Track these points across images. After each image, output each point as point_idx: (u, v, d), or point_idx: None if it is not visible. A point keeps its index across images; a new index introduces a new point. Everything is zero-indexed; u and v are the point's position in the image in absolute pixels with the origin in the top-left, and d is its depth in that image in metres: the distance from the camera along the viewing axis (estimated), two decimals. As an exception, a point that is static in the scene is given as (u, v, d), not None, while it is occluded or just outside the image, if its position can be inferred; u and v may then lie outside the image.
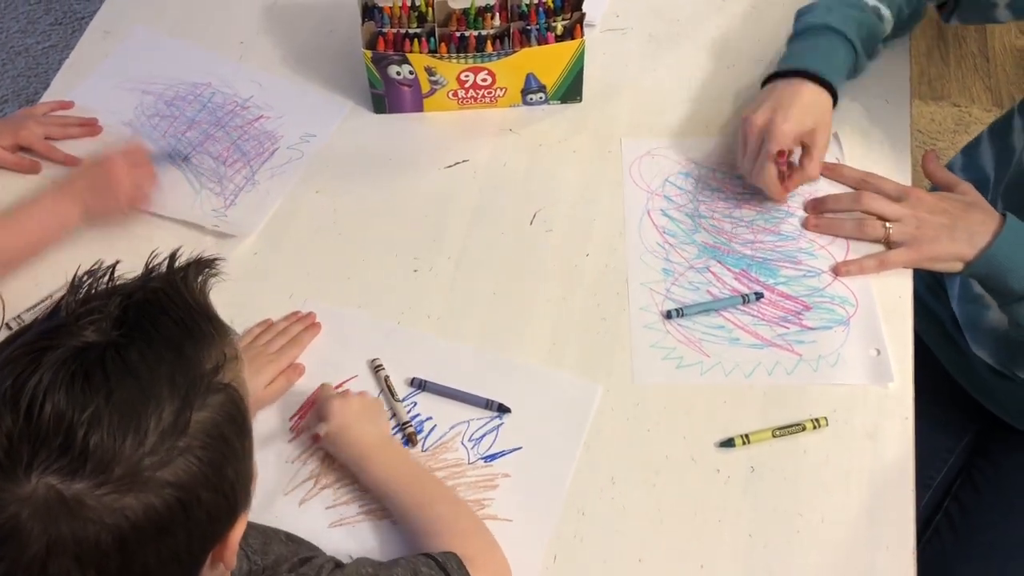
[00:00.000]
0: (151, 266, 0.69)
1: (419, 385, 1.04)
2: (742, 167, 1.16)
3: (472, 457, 0.99)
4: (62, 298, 0.64)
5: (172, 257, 0.70)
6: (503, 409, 1.02)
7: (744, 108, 1.16)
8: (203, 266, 0.70)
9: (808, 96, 1.13)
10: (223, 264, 0.72)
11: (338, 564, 0.84)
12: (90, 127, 1.27)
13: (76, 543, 0.58)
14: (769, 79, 1.18)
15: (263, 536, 0.83)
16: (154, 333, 0.63)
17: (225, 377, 0.66)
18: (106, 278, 0.66)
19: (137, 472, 0.59)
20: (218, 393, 0.64)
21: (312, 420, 0.99)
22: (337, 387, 1.04)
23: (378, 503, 0.96)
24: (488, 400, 1.02)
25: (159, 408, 0.60)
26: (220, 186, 1.22)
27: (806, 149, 1.13)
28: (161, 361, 0.62)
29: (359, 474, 0.96)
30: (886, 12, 1.21)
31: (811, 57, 1.17)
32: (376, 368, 1.05)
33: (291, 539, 0.86)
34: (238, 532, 0.68)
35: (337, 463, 0.98)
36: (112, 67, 1.35)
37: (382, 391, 1.03)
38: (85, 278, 0.65)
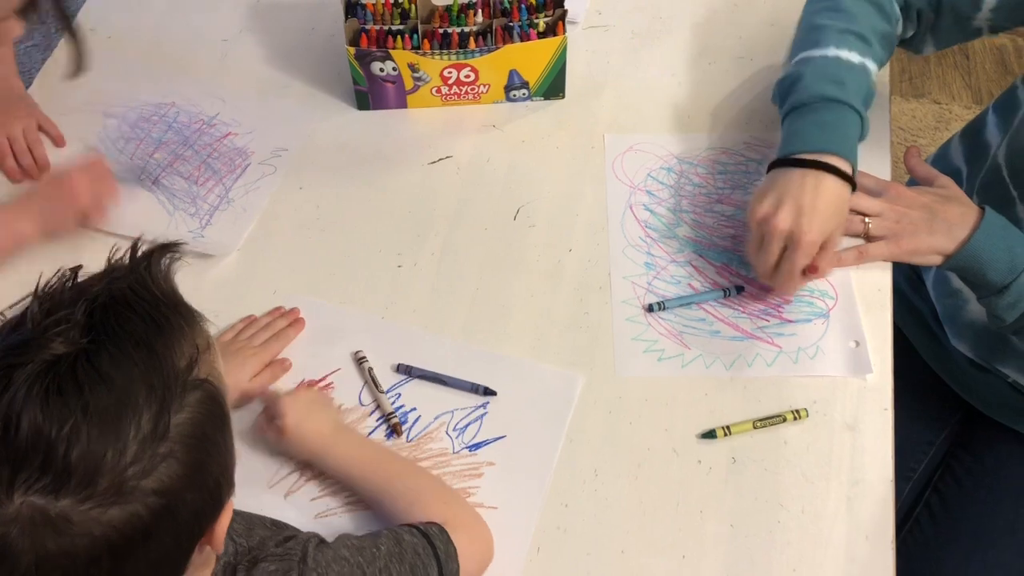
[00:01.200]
0: (113, 261, 0.68)
1: (405, 371, 1.05)
2: (756, 265, 1.05)
3: (457, 446, 1.00)
4: (26, 310, 0.63)
5: (133, 248, 0.68)
6: (489, 392, 1.03)
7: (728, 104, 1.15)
8: (165, 252, 0.69)
9: (831, 194, 1.02)
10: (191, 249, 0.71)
11: (322, 540, 0.84)
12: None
13: (65, 557, 0.58)
14: (778, 163, 1.07)
15: (247, 521, 0.84)
16: (123, 334, 0.62)
17: (200, 372, 0.65)
18: (70, 283, 0.65)
19: (121, 483, 0.58)
20: (195, 391, 0.64)
21: (263, 422, 0.99)
22: (320, 380, 1.04)
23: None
24: (474, 384, 1.03)
25: (137, 416, 0.59)
26: (194, 206, 1.20)
27: (820, 246, 1.03)
28: (133, 364, 0.61)
29: (322, 465, 0.97)
30: (871, 66, 1.11)
31: (826, 138, 1.05)
32: (359, 360, 1.05)
33: (275, 524, 0.86)
34: (225, 519, 0.68)
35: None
36: (67, 93, 1.30)
37: (366, 383, 1.04)
38: (48, 287, 0.64)
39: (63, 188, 1.14)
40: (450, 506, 0.92)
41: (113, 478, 0.58)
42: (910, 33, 1.18)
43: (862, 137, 1.09)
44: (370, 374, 1.04)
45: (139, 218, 1.18)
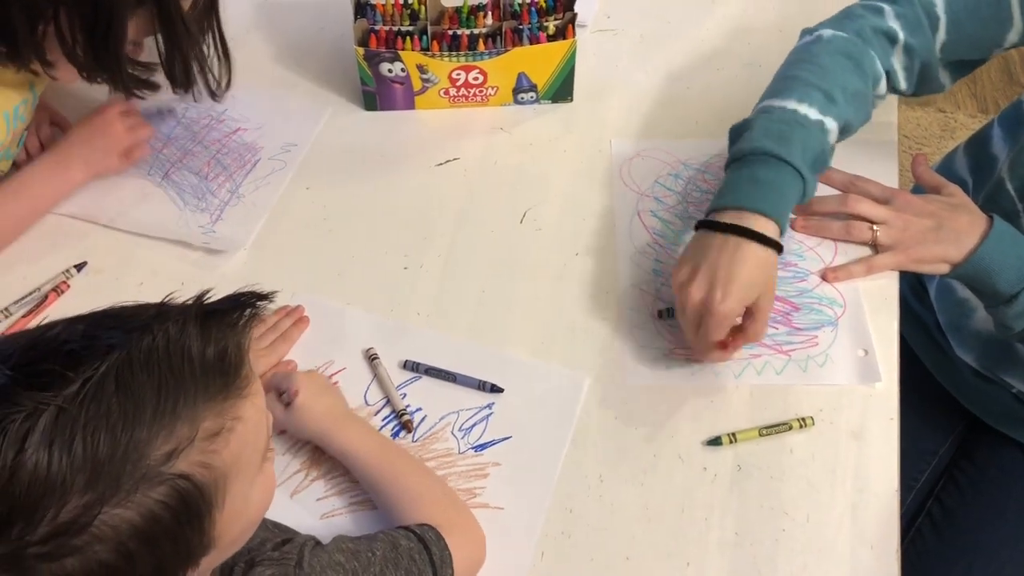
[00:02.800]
0: (165, 303, 0.62)
1: (413, 368, 1.04)
2: (684, 334, 1.02)
3: (462, 447, 1.00)
4: (14, 349, 0.58)
5: (198, 298, 0.62)
6: (496, 389, 1.03)
7: (736, 110, 1.14)
8: (242, 305, 0.63)
9: (752, 262, 0.97)
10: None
11: (318, 543, 0.83)
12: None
13: None
14: (703, 223, 1.03)
15: None
16: (113, 402, 0.56)
17: (181, 464, 0.58)
18: (81, 329, 0.59)
19: (20, 557, 0.54)
20: (158, 486, 0.57)
21: (272, 399, 0.97)
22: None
23: (367, 494, 0.96)
24: (481, 381, 1.03)
25: (63, 499, 0.54)
26: (204, 202, 1.20)
27: (749, 313, 0.99)
28: (97, 441, 0.55)
29: (327, 445, 0.96)
30: (831, 124, 1.05)
31: (756, 195, 1.01)
32: (372, 358, 1.05)
33: (276, 526, 0.85)
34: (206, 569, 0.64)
35: (327, 455, 0.98)
36: (75, 90, 1.28)
37: (376, 379, 1.04)
38: (57, 330, 0.59)
39: (102, 130, 1.18)
40: (448, 510, 0.91)
41: (12, 549, 0.54)
42: (906, 86, 1.14)
43: (804, 197, 1.04)
44: (384, 371, 1.04)
45: (149, 213, 1.19)
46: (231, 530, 0.65)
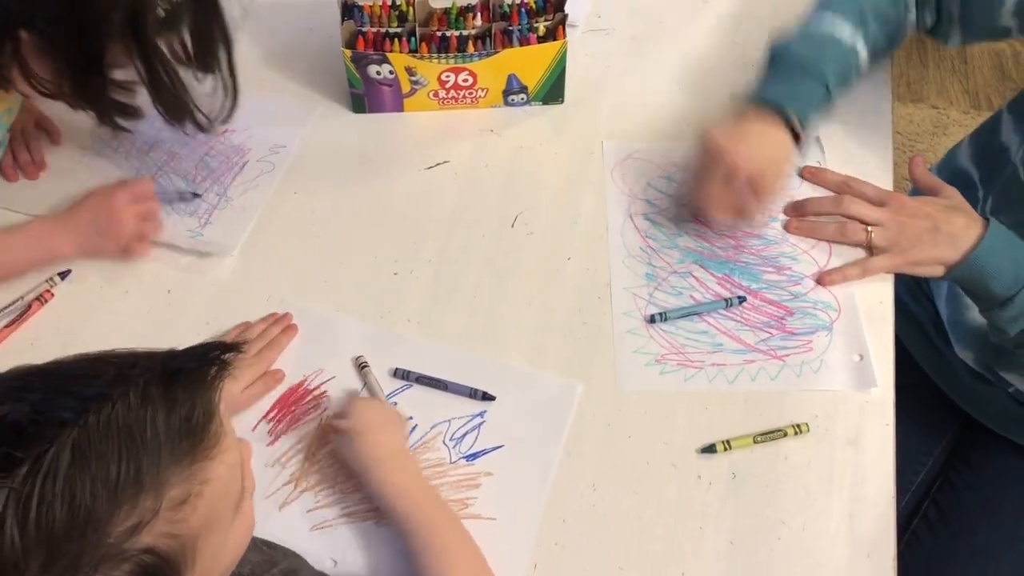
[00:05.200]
0: (124, 364, 0.58)
1: (403, 376, 1.03)
2: (690, 181, 1.14)
3: (454, 456, 0.99)
4: None
5: (165, 359, 0.59)
6: (488, 397, 1.01)
7: (722, 114, 1.15)
8: (210, 361, 0.61)
9: (770, 134, 1.10)
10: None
11: None
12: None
13: None
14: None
15: None
16: (67, 481, 0.53)
17: (144, 538, 0.55)
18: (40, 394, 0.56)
19: None
20: (120, 564, 0.55)
21: (331, 418, 0.98)
22: (314, 389, 1.02)
23: (364, 505, 0.95)
24: (472, 389, 1.02)
25: None
26: (192, 205, 1.19)
27: (753, 190, 1.08)
28: (53, 521, 0.52)
29: (368, 481, 0.92)
30: (862, 49, 1.15)
31: (785, 97, 1.11)
32: (361, 366, 1.04)
33: (267, 545, 0.84)
34: None
35: (319, 464, 0.97)
36: None
37: (365, 386, 1.02)
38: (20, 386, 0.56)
39: (108, 216, 1.11)
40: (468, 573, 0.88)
41: None
42: (930, 22, 1.18)
43: (828, 105, 1.14)
44: (373, 380, 1.03)
45: None
46: None
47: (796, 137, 1.10)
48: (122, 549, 0.55)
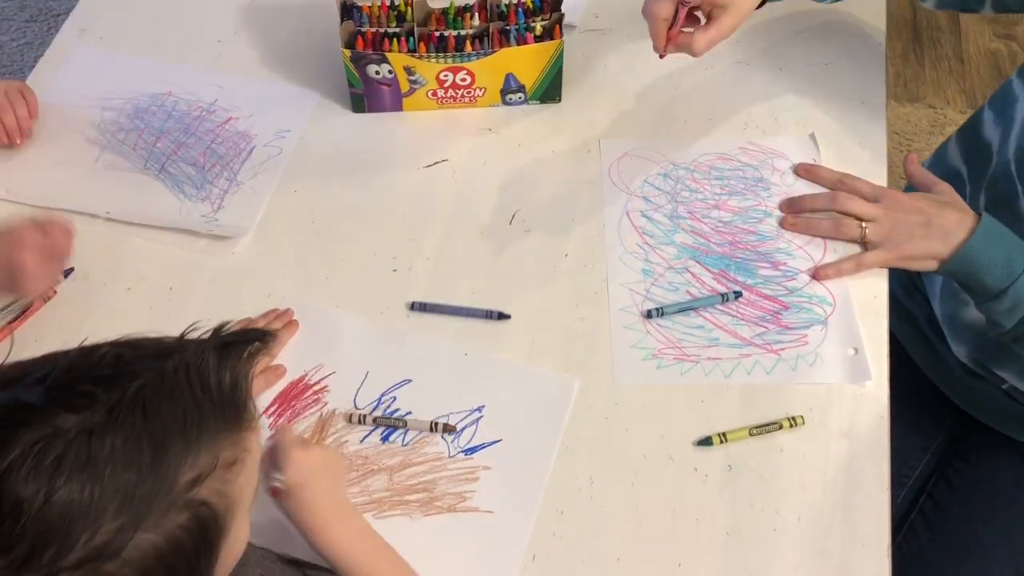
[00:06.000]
0: (185, 335, 0.64)
1: (420, 308, 1.08)
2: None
3: (452, 451, 1.00)
4: (50, 368, 0.59)
5: (215, 331, 0.64)
6: (503, 316, 1.08)
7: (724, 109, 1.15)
8: (250, 341, 0.65)
9: None
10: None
11: None
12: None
13: None
14: None
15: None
16: (142, 427, 0.58)
17: (203, 491, 0.60)
18: (110, 355, 0.60)
19: None
20: (183, 512, 0.59)
21: (267, 467, 0.85)
22: (315, 384, 1.03)
23: (363, 498, 0.96)
24: (488, 311, 1.08)
25: (97, 523, 0.55)
26: (204, 192, 1.21)
27: (708, 19, 1.09)
28: (129, 464, 0.57)
29: (310, 540, 0.85)
30: None
31: None
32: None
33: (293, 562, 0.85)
34: None
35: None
36: (61, 90, 1.31)
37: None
38: (90, 353, 0.60)
39: (10, 250, 0.99)
40: None
41: (43, 574, 0.55)
42: None
43: None
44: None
45: (150, 206, 1.19)
46: (228, 562, 0.66)
47: None
48: (185, 499, 0.59)
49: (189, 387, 0.61)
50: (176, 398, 0.60)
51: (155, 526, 0.58)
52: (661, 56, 1.12)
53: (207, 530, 0.61)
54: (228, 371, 0.63)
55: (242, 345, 0.65)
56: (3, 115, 1.21)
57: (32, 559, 0.54)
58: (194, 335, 0.66)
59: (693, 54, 1.09)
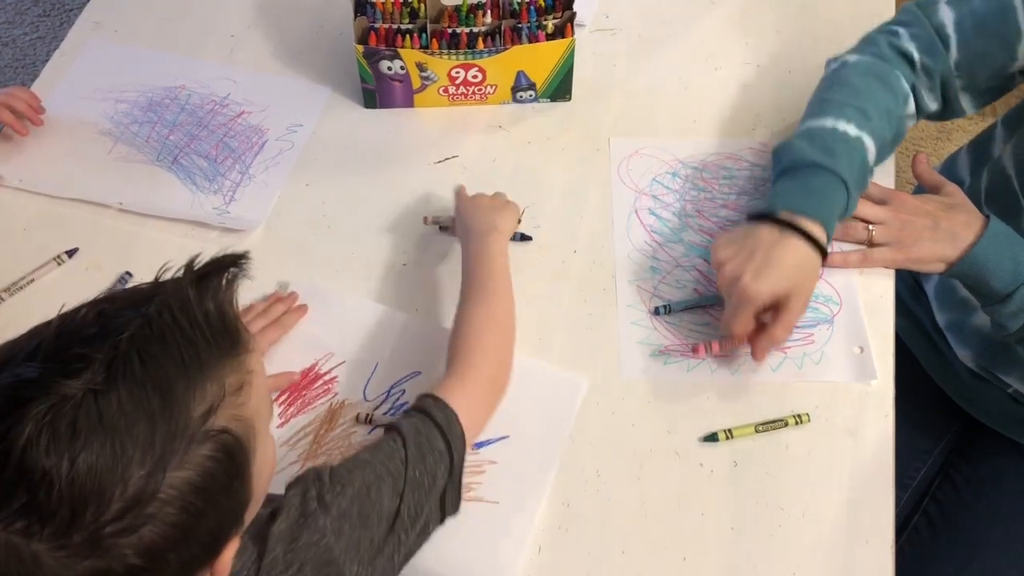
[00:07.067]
0: (159, 278, 0.64)
1: (442, 228, 1.16)
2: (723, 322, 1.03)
3: (460, 445, 1.00)
4: (41, 340, 0.59)
5: (188, 266, 0.64)
6: (525, 238, 1.16)
7: (734, 110, 1.14)
8: (223, 268, 0.65)
9: (794, 254, 0.99)
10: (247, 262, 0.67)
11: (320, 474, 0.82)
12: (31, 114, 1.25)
13: None
14: (756, 216, 1.05)
15: None
16: (143, 376, 0.58)
17: (219, 419, 0.61)
18: (93, 312, 0.61)
19: (97, 540, 0.56)
20: (204, 443, 0.60)
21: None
22: (325, 373, 1.04)
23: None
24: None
25: (127, 473, 0.56)
26: (216, 184, 1.22)
27: (778, 310, 1.00)
28: (141, 413, 0.58)
29: (463, 245, 1.06)
30: (869, 142, 1.06)
31: (806, 202, 1.02)
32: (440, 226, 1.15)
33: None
34: (229, 552, 0.66)
35: (326, 447, 0.99)
36: (75, 81, 1.33)
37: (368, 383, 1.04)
38: (72, 315, 0.61)
39: None
40: (476, 354, 0.94)
41: (90, 533, 0.56)
42: (934, 106, 1.14)
43: (847, 211, 1.05)
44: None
45: (161, 198, 1.20)
46: (260, 482, 0.68)
47: (820, 249, 1.01)
48: (204, 431, 0.60)
49: (177, 325, 0.61)
50: (168, 339, 0.60)
51: (182, 463, 0.59)
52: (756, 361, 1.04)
53: (233, 455, 0.63)
54: (211, 301, 0.64)
55: (218, 273, 0.65)
56: (11, 102, 1.23)
57: (75, 521, 0.55)
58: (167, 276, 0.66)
59: (777, 344, 1.02)
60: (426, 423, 0.85)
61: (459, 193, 1.13)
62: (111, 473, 0.56)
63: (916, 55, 1.11)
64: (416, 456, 0.83)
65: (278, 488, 0.95)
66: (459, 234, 1.10)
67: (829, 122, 1.07)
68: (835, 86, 1.11)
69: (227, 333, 0.64)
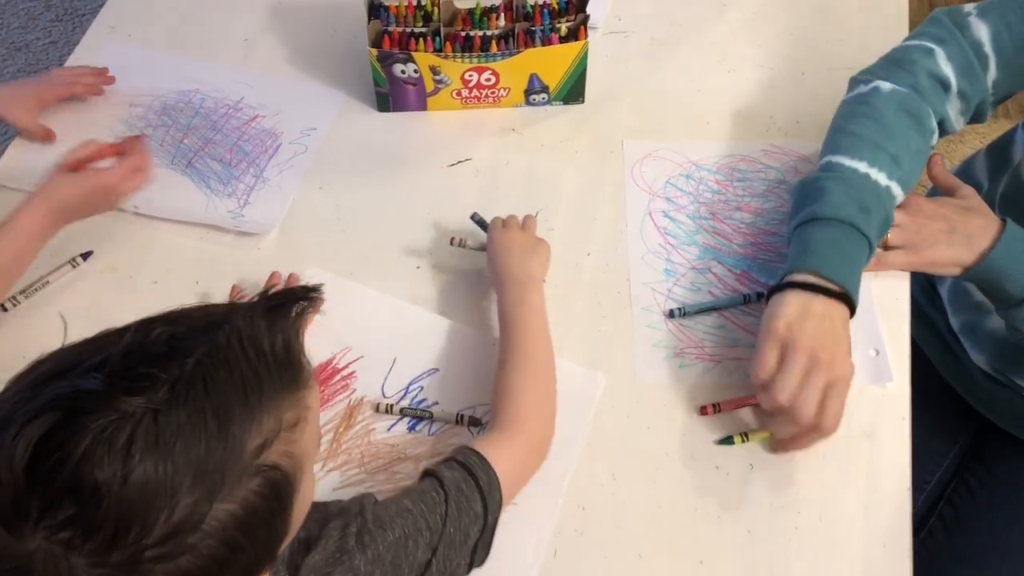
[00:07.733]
0: (235, 303, 0.65)
1: (479, 223, 1.14)
2: (779, 387, 0.93)
3: (477, 442, 1.00)
4: (108, 354, 0.59)
5: (262, 294, 0.65)
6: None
7: (747, 112, 1.12)
8: (296, 299, 0.66)
9: (845, 329, 0.97)
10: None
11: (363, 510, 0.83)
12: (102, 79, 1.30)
13: None
14: (780, 287, 0.99)
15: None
16: (205, 400, 0.59)
17: (271, 455, 0.61)
18: (163, 334, 0.61)
19: (135, 563, 0.56)
20: (254, 478, 0.61)
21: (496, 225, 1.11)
22: (343, 368, 1.05)
23: (390, 486, 0.97)
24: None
25: (174, 499, 0.57)
26: (230, 187, 1.22)
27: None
28: (198, 438, 0.58)
29: (498, 293, 1.05)
30: (897, 190, 1.04)
31: (844, 270, 0.99)
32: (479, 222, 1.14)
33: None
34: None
35: (346, 446, 1.00)
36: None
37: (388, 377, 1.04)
38: (141, 335, 0.61)
39: (89, 180, 1.09)
40: (519, 416, 0.93)
41: (130, 555, 0.56)
42: (959, 127, 1.13)
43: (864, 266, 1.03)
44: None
45: (176, 201, 1.20)
46: (299, 518, 0.68)
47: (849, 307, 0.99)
48: (256, 465, 0.60)
49: (244, 355, 0.61)
50: (233, 367, 0.61)
51: (230, 495, 0.59)
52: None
53: (280, 491, 0.62)
54: (280, 333, 0.64)
55: (289, 305, 0.66)
56: (81, 78, 1.27)
57: (117, 540, 0.55)
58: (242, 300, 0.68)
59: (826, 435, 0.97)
60: (469, 484, 0.86)
61: (493, 225, 1.11)
62: (160, 495, 0.56)
63: (953, 80, 1.08)
64: (455, 514, 0.84)
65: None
66: (492, 276, 1.07)
67: (862, 167, 1.03)
68: (867, 120, 1.07)
69: (290, 367, 0.65)
